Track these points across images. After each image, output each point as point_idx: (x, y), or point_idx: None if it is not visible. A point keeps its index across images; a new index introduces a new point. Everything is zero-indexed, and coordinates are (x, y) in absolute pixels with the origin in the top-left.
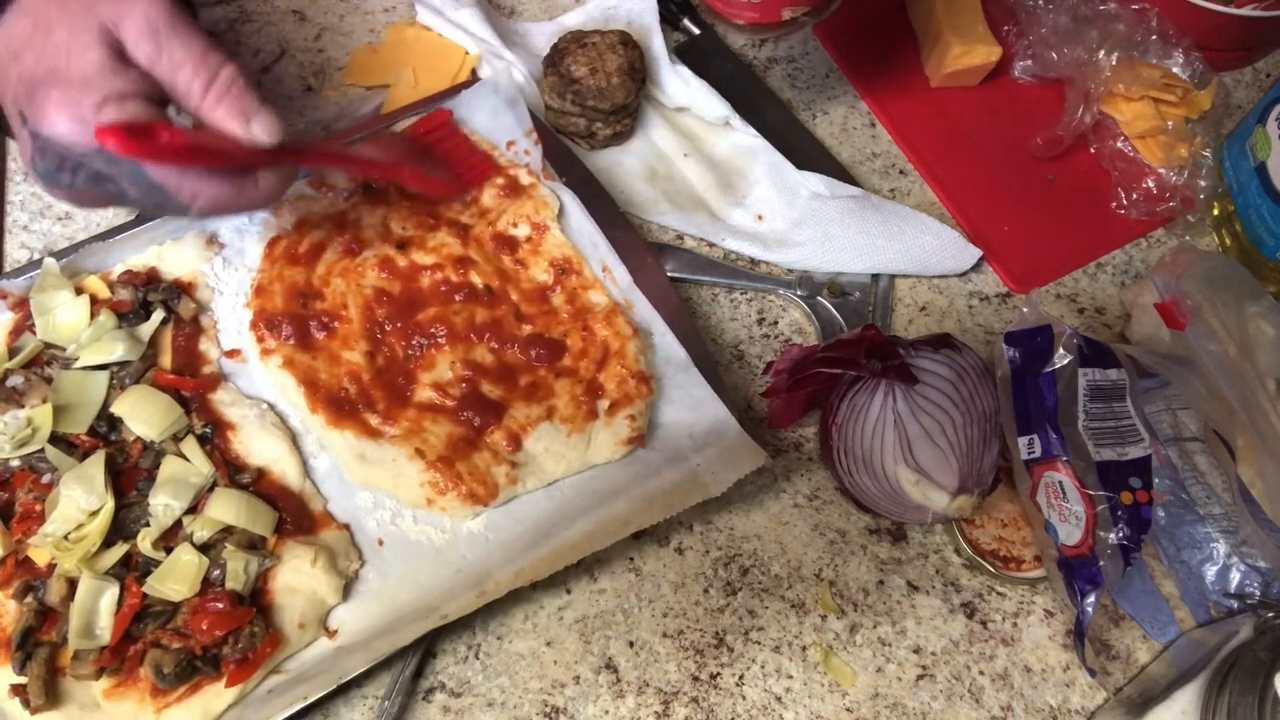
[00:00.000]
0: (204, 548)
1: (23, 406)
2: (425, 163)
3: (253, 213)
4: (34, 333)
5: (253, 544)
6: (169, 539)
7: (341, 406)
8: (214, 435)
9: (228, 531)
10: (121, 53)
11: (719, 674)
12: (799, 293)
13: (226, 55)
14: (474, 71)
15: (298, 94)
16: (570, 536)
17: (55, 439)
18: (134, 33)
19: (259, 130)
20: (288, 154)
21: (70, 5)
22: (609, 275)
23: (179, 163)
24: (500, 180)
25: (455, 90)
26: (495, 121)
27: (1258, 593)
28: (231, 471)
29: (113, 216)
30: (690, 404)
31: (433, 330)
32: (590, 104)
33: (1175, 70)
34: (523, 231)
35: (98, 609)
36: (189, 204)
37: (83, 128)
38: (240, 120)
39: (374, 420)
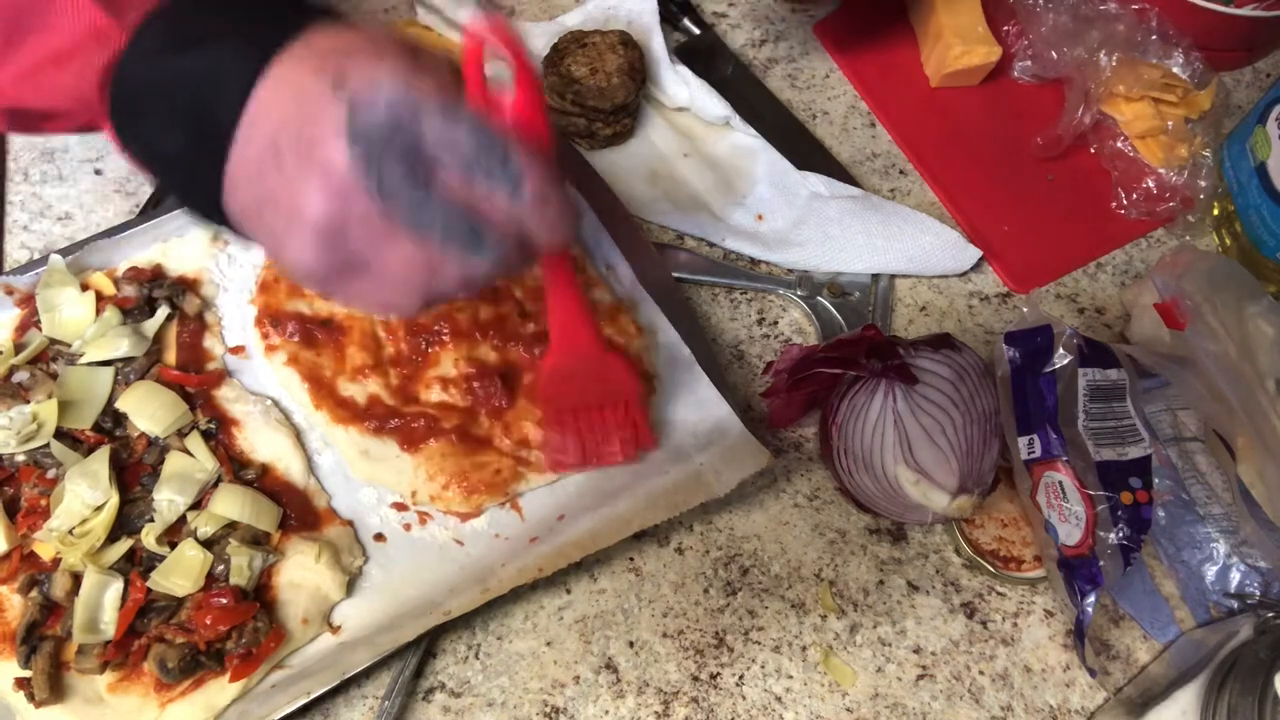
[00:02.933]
0: (208, 543)
1: (28, 402)
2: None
3: (562, 240)
4: (40, 329)
5: (257, 540)
6: (173, 534)
7: (345, 403)
8: (218, 431)
9: (232, 527)
10: None
11: (719, 674)
12: (799, 293)
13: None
14: None
15: None
16: (574, 534)
17: (60, 434)
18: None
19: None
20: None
21: (372, 33)
22: (612, 274)
23: (528, 120)
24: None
25: None
26: None
27: (1258, 593)
28: (236, 467)
29: (114, 216)
30: (694, 403)
31: (436, 328)
32: (590, 104)
33: (1175, 70)
34: None
35: (102, 603)
36: (521, 178)
37: (425, 77)
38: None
39: (377, 416)
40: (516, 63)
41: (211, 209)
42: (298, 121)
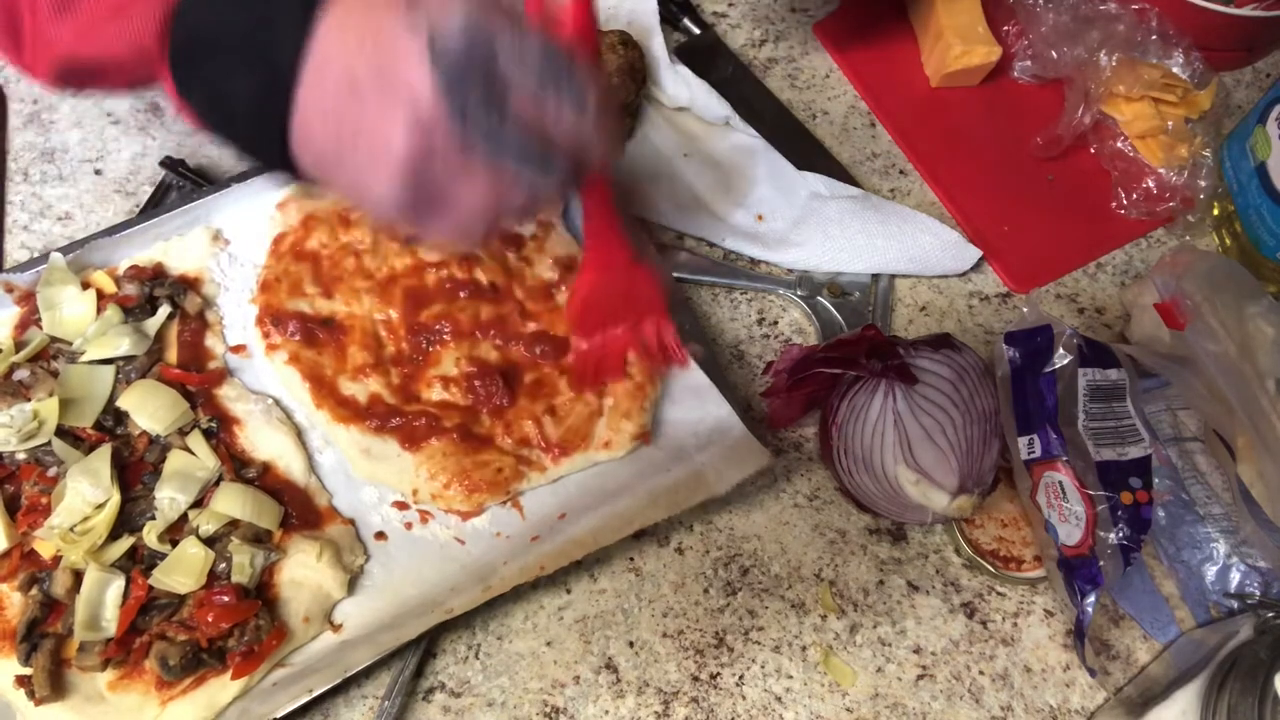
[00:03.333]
0: (210, 541)
1: (29, 400)
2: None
3: (617, 154)
4: (40, 327)
5: (258, 538)
6: (175, 532)
7: (346, 402)
8: (220, 430)
9: (233, 525)
10: None
11: (719, 674)
12: (799, 293)
13: None
14: None
15: None
16: (574, 533)
17: (61, 432)
18: None
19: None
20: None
21: None
22: None
23: (582, 45)
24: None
25: None
26: None
27: (1258, 593)
28: (237, 466)
29: (113, 215)
30: (695, 402)
31: (438, 327)
32: None
33: (1175, 70)
34: (528, 229)
35: (103, 601)
36: (585, 98)
37: (497, 11)
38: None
39: (378, 414)
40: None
41: (279, 158)
42: (375, 55)
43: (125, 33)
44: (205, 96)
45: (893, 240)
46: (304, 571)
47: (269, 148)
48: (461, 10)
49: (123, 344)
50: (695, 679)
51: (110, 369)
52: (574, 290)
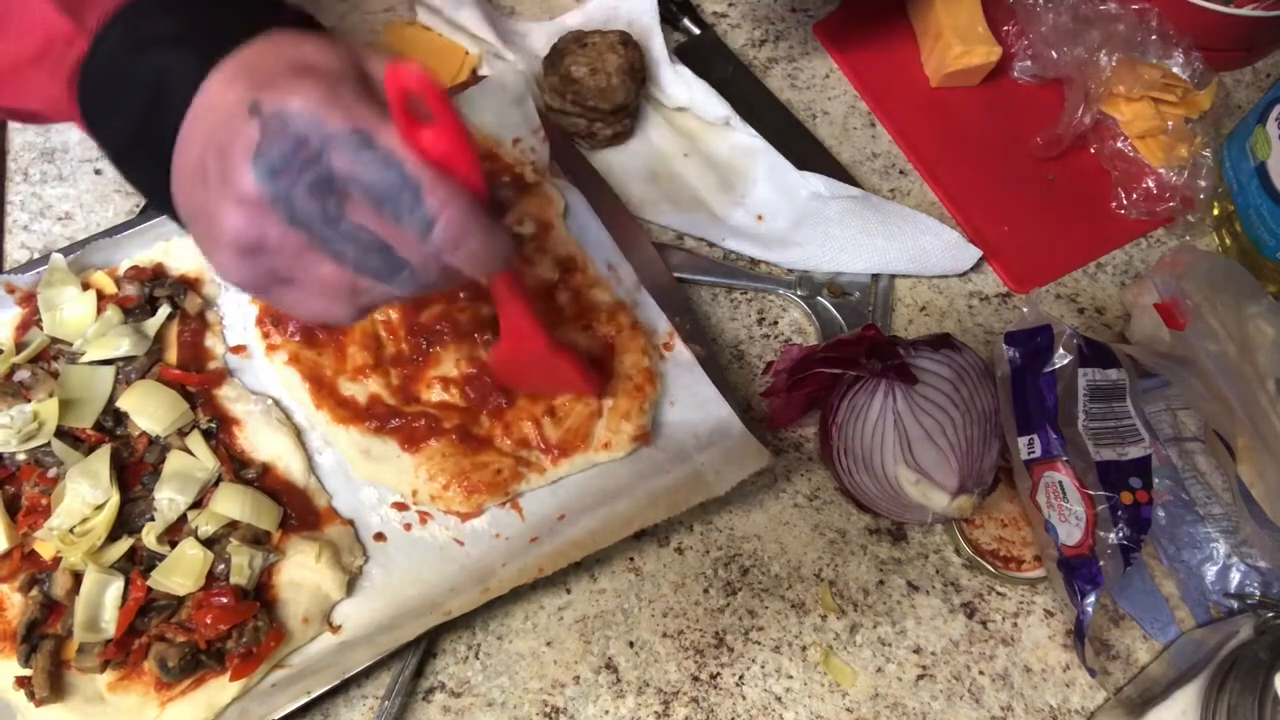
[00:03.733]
0: (209, 542)
1: (29, 401)
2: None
3: (472, 269)
4: (41, 328)
5: (257, 539)
6: (174, 533)
7: (346, 403)
8: (219, 430)
9: (232, 526)
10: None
11: (719, 674)
12: (799, 293)
13: None
14: (474, 72)
15: None
16: (574, 534)
17: (61, 433)
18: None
19: (500, 190)
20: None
21: (321, 36)
22: (614, 274)
23: (447, 158)
24: (506, 178)
25: (456, 90)
26: (501, 118)
27: (1258, 593)
28: (236, 467)
29: (114, 216)
30: (695, 403)
31: (437, 328)
32: (590, 104)
33: (1175, 70)
34: (528, 229)
35: (103, 602)
36: (434, 218)
37: (339, 108)
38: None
39: (378, 415)
40: (434, 104)
41: (171, 209)
42: (220, 135)
43: (37, 87)
44: (109, 149)
45: (893, 240)
46: (303, 573)
47: (162, 201)
48: (298, 112)
49: (123, 344)
50: (695, 679)
51: (110, 370)
52: (490, 361)
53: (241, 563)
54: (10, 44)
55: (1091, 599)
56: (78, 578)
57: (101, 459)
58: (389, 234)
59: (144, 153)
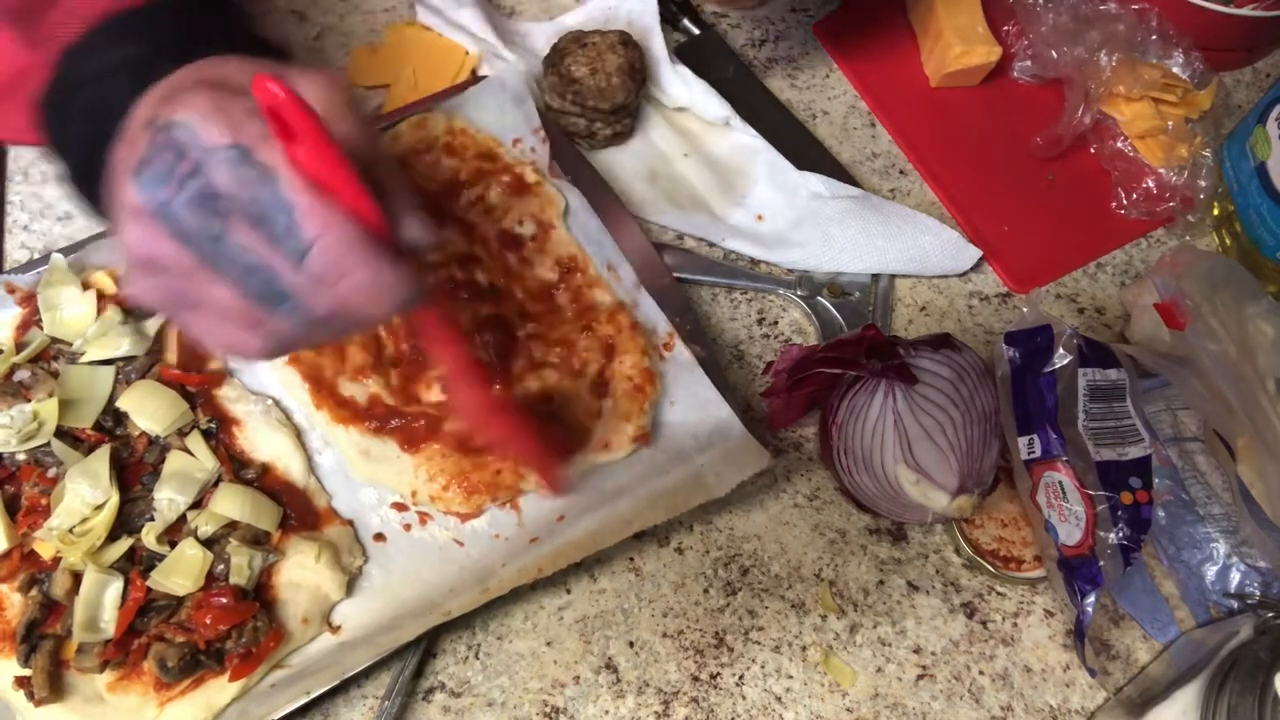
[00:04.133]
0: (208, 543)
1: (29, 401)
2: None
3: (360, 309)
4: (41, 328)
5: (257, 539)
6: (173, 534)
7: (346, 403)
8: (219, 431)
9: (232, 526)
10: None
11: (719, 674)
12: (799, 293)
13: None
14: (474, 72)
15: None
16: (573, 535)
17: (61, 433)
18: (314, 87)
19: (411, 228)
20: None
21: (248, 62)
22: (614, 274)
23: (329, 170)
24: (506, 178)
25: (457, 89)
26: (502, 119)
27: (1258, 593)
28: (236, 467)
29: None
30: (695, 404)
31: None
32: (590, 104)
33: (1175, 70)
34: (528, 230)
35: (102, 602)
36: (307, 246)
37: (225, 121)
38: (395, 211)
39: (377, 415)
40: (296, 121)
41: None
42: (119, 155)
43: (10, 116)
44: (70, 176)
45: (893, 240)
46: (302, 573)
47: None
48: (183, 114)
49: (123, 344)
50: (695, 679)
51: (110, 369)
52: (449, 396)
53: (241, 563)
54: None
55: (1091, 599)
56: (77, 578)
57: (101, 459)
58: (268, 257)
59: (95, 180)
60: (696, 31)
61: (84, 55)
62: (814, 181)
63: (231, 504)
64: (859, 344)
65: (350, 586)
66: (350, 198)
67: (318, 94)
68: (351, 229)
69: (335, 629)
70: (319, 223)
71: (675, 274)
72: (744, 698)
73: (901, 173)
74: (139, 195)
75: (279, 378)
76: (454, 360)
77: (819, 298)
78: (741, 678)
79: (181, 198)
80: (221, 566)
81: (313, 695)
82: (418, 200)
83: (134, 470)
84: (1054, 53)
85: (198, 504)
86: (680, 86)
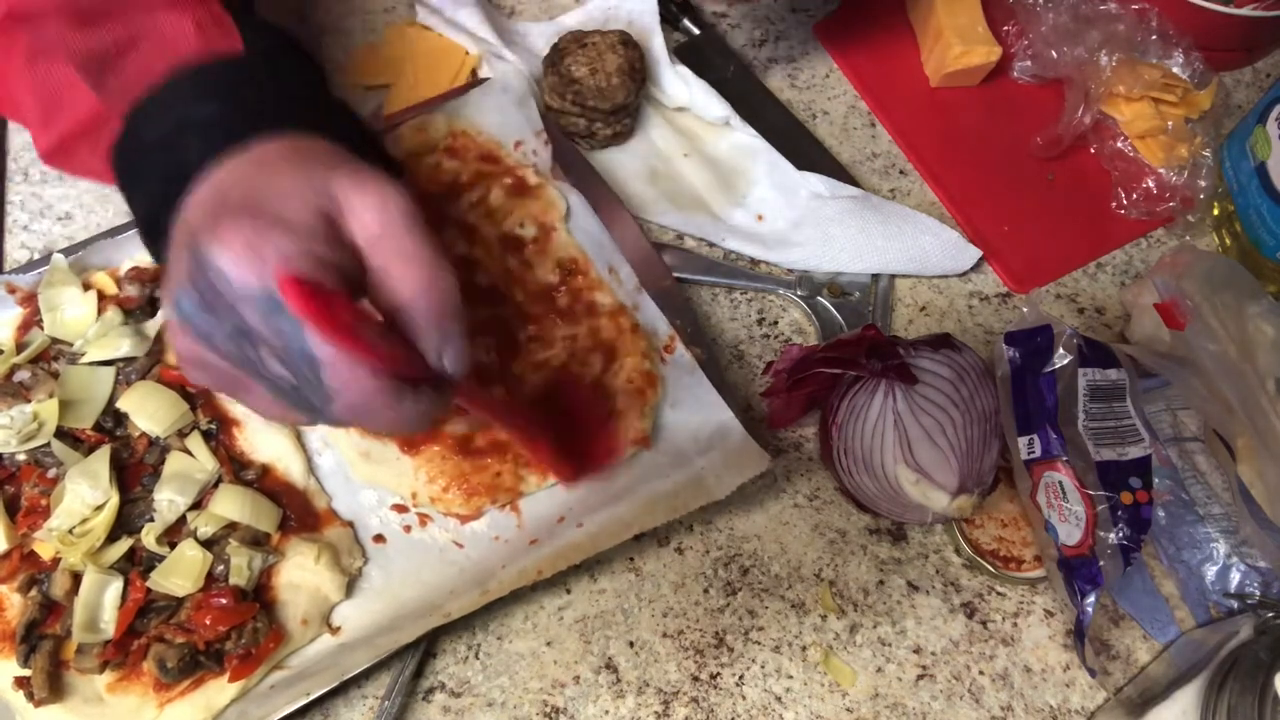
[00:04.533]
0: (208, 543)
1: (29, 401)
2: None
3: (385, 435)
4: (42, 328)
5: (257, 540)
6: (173, 534)
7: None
8: (219, 431)
9: (232, 527)
10: (336, 225)
11: (719, 674)
12: (799, 293)
13: (452, 268)
14: (474, 72)
15: None
16: (573, 537)
17: (61, 434)
18: (368, 206)
19: (449, 359)
20: (457, 388)
21: (309, 161)
22: (615, 277)
23: (346, 346)
24: (508, 180)
25: (459, 91)
26: (504, 121)
27: (1258, 593)
28: (236, 468)
29: (113, 216)
30: (695, 407)
31: None
32: (590, 104)
33: (1175, 70)
34: (529, 232)
35: (102, 603)
36: (332, 396)
37: (257, 264)
38: (436, 340)
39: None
40: (318, 328)
41: None
42: (169, 258)
43: (81, 161)
44: (140, 224)
45: (893, 240)
46: (302, 574)
47: None
48: (219, 252)
49: (123, 345)
50: (695, 679)
51: (110, 370)
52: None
53: (241, 564)
54: (63, 122)
55: (1091, 599)
56: (77, 578)
57: (101, 460)
58: (299, 392)
59: (162, 237)
60: (696, 31)
61: (153, 113)
62: (814, 181)
63: (231, 505)
64: (859, 344)
65: (350, 588)
66: (377, 355)
67: (373, 214)
68: (375, 383)
69: (335, 630)
70: (344, 377)
71: (675, 274)
72: (744, 698)
73: (901, 173)
74: (178, 317)
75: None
76: (486, 416)
77: (819, 298)
78: (741, 678)
79: (220, 328)
80: (221, 567)
81: (312, 696)
82: (462, 324)
83: (134, 471)
84: (1054, 53)
85: (198, 505)
86: (680, 86)
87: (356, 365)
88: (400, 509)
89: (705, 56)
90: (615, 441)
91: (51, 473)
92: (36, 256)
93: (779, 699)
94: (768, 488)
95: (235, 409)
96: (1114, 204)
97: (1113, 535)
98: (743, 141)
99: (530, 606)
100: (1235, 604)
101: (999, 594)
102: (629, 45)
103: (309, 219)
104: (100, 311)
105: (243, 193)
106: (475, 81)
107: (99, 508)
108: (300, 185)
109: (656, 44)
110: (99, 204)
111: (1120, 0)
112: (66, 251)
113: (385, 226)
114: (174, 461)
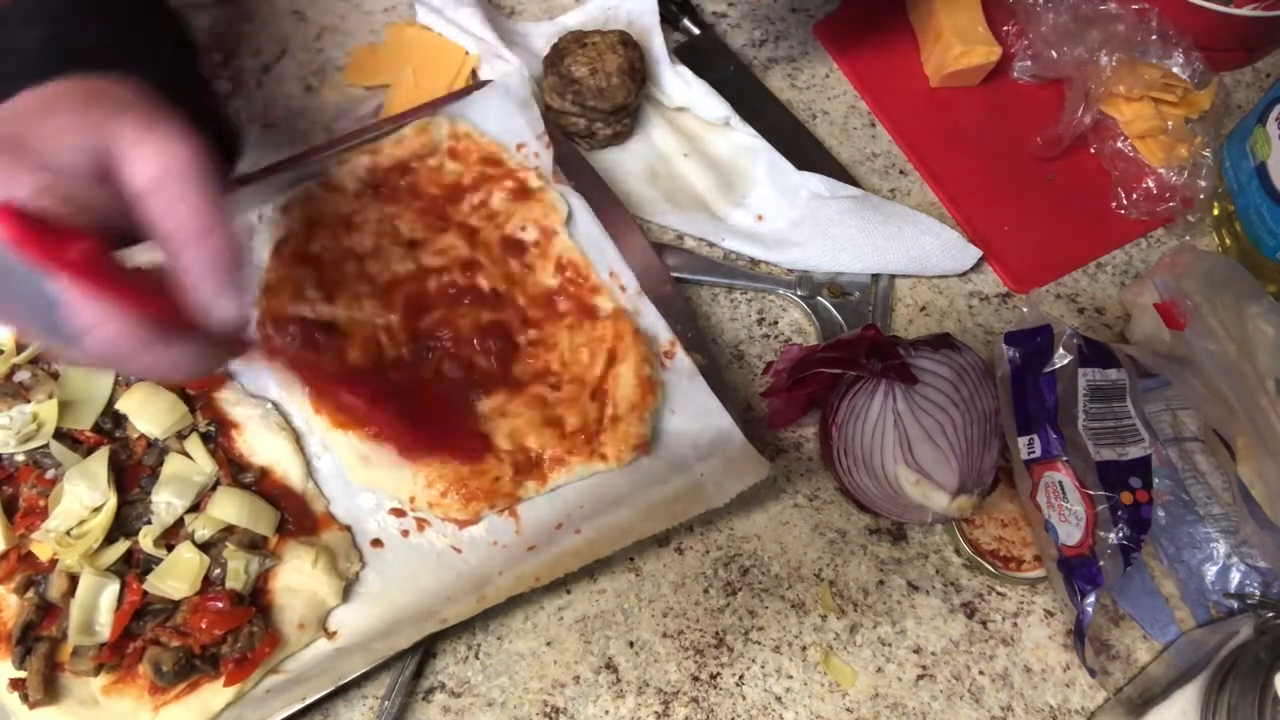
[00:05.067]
0: (205, 546)
1: (29, 401)
2: (406, 412)
3: (146, 377)
4: None
5: (254, 544)
6: (171, 537)
7: (345, 407)
8: (218, 434)
9: (229, 531)
10: (110, 170)
11: (719, 674)
12: (799, 293)
13: (233, 223)
14: (474, 72)
15: (298, 94)
16: (572, 543)
17: (60, 435)
18: (148, 154)
19: (220, 312)
20: (234, 342)
21: (98, 103)
22: (616, 281)
23: (86, 286)
24: (509, 183)
25: (461, 93)
26: (506, 123)
27: (1258, 593)
28: (234, 471)
29: None
30: (695, 413)
31: (439, 333)
32: (590, 104)
33: (1175, 70)
34: (530, 235)
35: (98, 605)
36: (75, 336)
37: None
38: (207, 292)
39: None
40: (32, 257)
41: None
42: None
43: None
44: None
45: (893, 240)
46: (299, 578)
47: None
48: None
49: None
50: (695, 679)
51: (110, 371)
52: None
53: (238, 567)
54: None
55: (1091, 599)
56: (74, 580)
57: (100, 461)
58: (44, 335)
59: None
60: (696, 31)
61: None
62: (814, 181)
63: (229, 508)
64: (859, 344)
65: (347, 592)
66: (128, 297)
67: (151, 163)
68: (119, 325)
69: (331, 634)
70: (88, 318)
71: (675, 274)
72: (744, 698)
73: (901, 173)
74: None
75: (279, 382)
76: (302, 376)
77: (819, 298)
78: (741, 678)
79: None
80: (218, 570)
81: (308, 701)
82: (237, 277)
83: (132, 473)
84: (1054, 53)
85: (195, 507)
86: (680, 86)
87: (93, 305)
88: (398, 513)
89: (705, 56)
90: (476, 446)
91: (50, 474)
92: None
93: (779, 699)
94: (768, 488)
95: (235, 411)
96: (1114, 204)
97: (1113, 535)
98: (743, 141)
99: (530, 607)
100: (1235, 604)
101: (999, 594)
102: (629, 45)
103: (72, 160)
104: None
105: (12, 130)
106: (478, 83)
107: (97, 509)
108: (74, 127)
109: (656, 44)
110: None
111: (1120, 0)
112: None
113: (163, 175)
114: (172, 464)
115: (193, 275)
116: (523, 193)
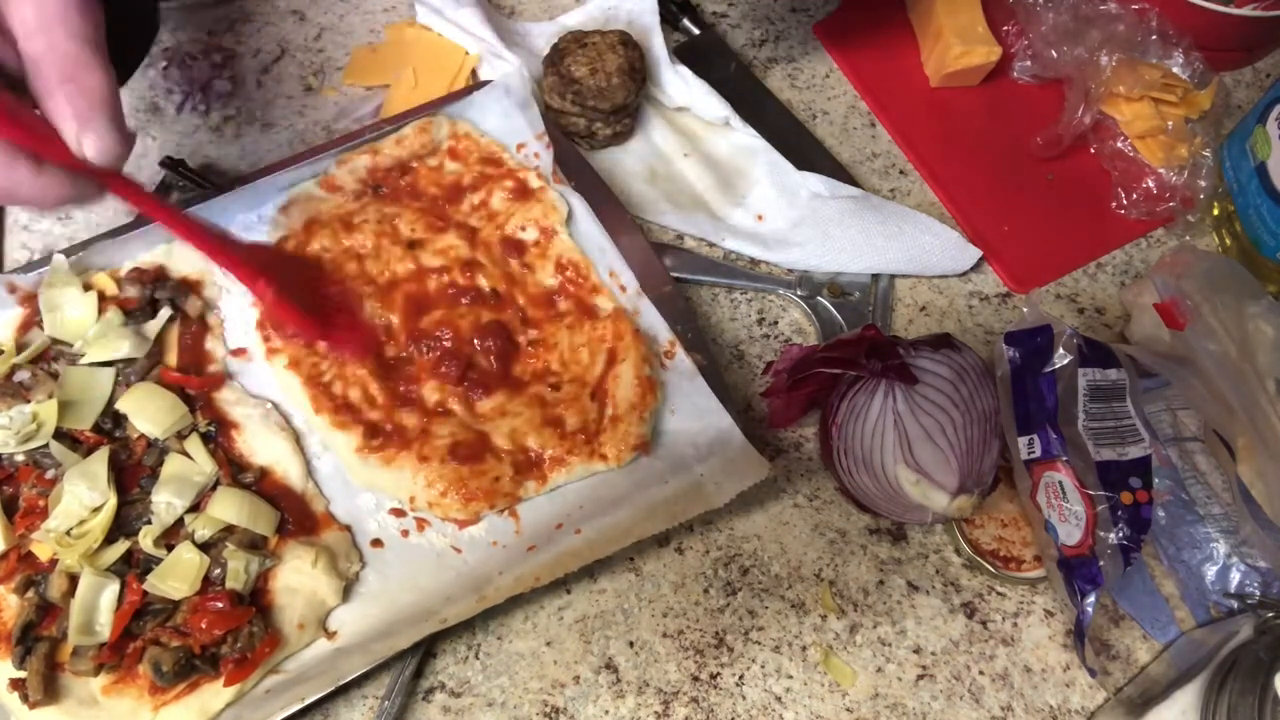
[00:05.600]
0: (205, 546)
1: (29, 401)
2: (297, 294)
3: (12, 202)
4: (42, 328)
5: (254, 544)
6: (170, 537)
7: (345, 408)
8: (218, 434)
9: (229, 531)
10: None
11: (719, 674)
12: (799, 293)
13: (109, 63)
14: (474, 72)
15: (298, 94)
16: (572, 543)
17: (60, 434)
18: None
19: (87, 147)
20: (109, 177)
21: None
22: (616, 281)
23: None
24: (510, 183)
25: (461, 93)
26: (506, 123)
27: (1258, 593)
28: (234, 471)
29: (114, 216)
30: (695, 413)
31: (438, 333)
32: (590, 104)
33: (1175, 70)
34: (531, 235)
35: (98, 605)
36: None
37: None
38: (75, 127)
39: (377, 418)
40: None
41: None
42: None
43: None
44: None
45: (893, 240)
46: (299, 578)
47: None
48: None
49: (123, 346)
50: (695, 679)
51: (110, 371)
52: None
53: (238, 567)
54: None
55: (1091, 599)
56: (74, 580)
57: (100, 461)
58: None
59: None
60: (696, 31)
61: None
62: (814, 181)
63: (229, 508)
64: (859, 344)
65: (347, 592)
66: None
67: (31, 9)
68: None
69: (331, 635)
70: None
71: (675, 274)
72: (744, 698)
73: (901, 173)
74: None
75: (279, 382)
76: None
77: (819, 298)
78: (741, 678)
79: None
80: (218, 571)
81: (308, 701)
82: (109, 116)
83: (132, 473)
84: (1054, 53)
85: (195, 507)
86: (680, 86)
87: None
88: (398, 513)
89: (705, 56)
90: (362, 340)
91: (50, 474)
92: (37, 256)
93: (779, 699)
94: (768, 488)
95: (235, 411)
96: (1114, 204)
97: (1113, 535)
98: (743, 141)
99: (530, 606)
100: (1235, 604)
101: (999, 594)
102: (629, 45)
103: None
104: (100, 312)
105: None
106: (478, 83)
107: (97, 509)
108: None
109: (656, 44)
110: (98, 204)
111: (1120, 0)
112: (67, 251)
113: (41, 20)
114: (172, 464)
115: (61, 111)
116: (523, 193)
